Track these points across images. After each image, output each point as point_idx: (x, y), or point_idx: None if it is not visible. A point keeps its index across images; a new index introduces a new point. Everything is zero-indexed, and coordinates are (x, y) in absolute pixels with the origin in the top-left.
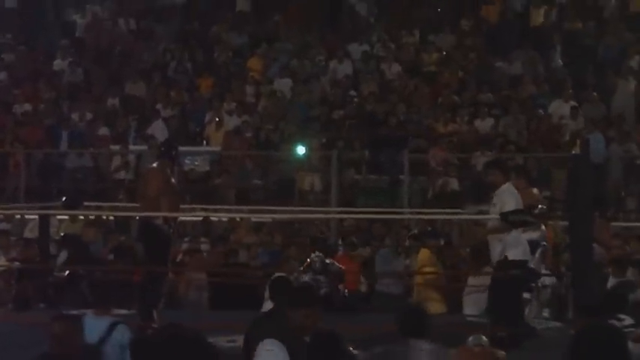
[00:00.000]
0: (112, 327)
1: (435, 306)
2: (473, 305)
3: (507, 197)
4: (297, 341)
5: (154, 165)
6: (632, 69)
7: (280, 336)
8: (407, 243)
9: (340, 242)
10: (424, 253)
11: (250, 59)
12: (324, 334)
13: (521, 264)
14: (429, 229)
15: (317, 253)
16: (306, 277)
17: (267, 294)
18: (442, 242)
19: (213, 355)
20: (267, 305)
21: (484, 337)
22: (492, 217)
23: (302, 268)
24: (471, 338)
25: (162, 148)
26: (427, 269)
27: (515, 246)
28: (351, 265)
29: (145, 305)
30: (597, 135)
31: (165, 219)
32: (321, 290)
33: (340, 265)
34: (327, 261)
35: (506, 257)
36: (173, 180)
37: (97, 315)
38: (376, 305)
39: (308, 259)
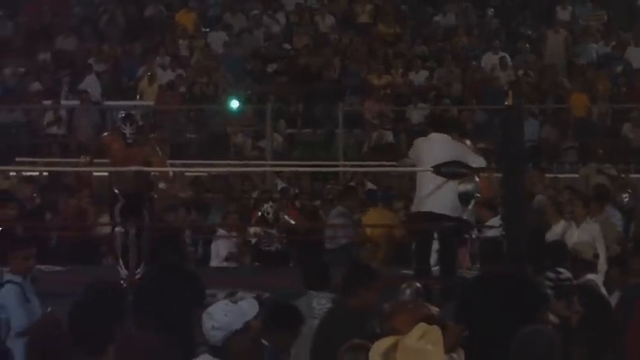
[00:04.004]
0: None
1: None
2: None
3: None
4: None
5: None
6: (562, 21)
7: None
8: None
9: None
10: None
11: (179, 12)
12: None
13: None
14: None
15: (270, 203)
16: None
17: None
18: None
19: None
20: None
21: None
22: (425, 169)
23: (253, 221)
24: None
25: None
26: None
27: None
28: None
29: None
30: None
31: None
32: (273, 246)
33: (291, 220)
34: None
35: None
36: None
37: None
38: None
39: (259, 212)
